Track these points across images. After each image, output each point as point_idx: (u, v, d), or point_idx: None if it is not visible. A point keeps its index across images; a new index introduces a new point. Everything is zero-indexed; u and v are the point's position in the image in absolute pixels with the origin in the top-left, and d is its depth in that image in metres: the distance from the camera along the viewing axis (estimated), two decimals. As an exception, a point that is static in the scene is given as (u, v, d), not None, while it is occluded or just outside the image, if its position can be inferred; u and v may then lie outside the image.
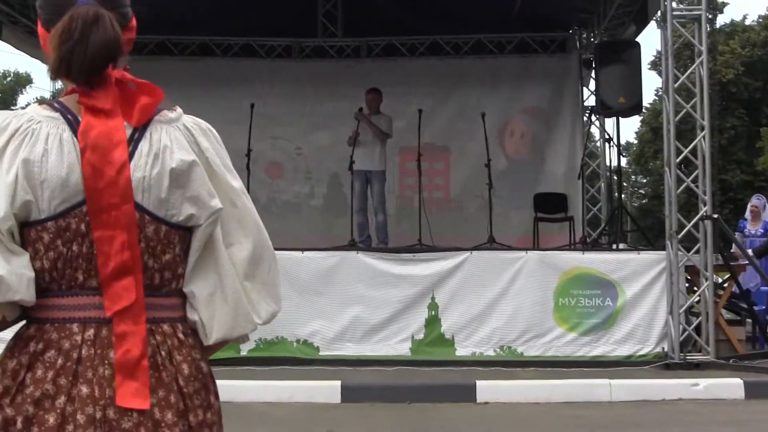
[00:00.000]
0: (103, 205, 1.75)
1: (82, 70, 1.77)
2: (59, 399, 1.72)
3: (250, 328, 1.89)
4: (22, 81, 50.03)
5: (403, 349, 10.00)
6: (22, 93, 50.82)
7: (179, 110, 1.92)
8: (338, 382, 8.51)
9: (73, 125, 1.80)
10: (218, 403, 1.92)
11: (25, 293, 1.76)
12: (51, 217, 1.77)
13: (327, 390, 8.44)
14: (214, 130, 1.93)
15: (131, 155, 1.78)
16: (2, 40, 14.10)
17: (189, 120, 1.91)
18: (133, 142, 1.80)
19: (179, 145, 1.83)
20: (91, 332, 1.76)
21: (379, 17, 14.37)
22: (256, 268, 1.89)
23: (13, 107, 49.26)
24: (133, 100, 1.82)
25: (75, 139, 1.78)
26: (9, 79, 50.18)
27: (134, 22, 1.97)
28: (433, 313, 10.04)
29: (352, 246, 11.18)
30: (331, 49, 15.11)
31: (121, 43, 1.80)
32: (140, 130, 1.82)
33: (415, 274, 10.08)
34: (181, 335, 1.84)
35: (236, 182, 1.90)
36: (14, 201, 1.76)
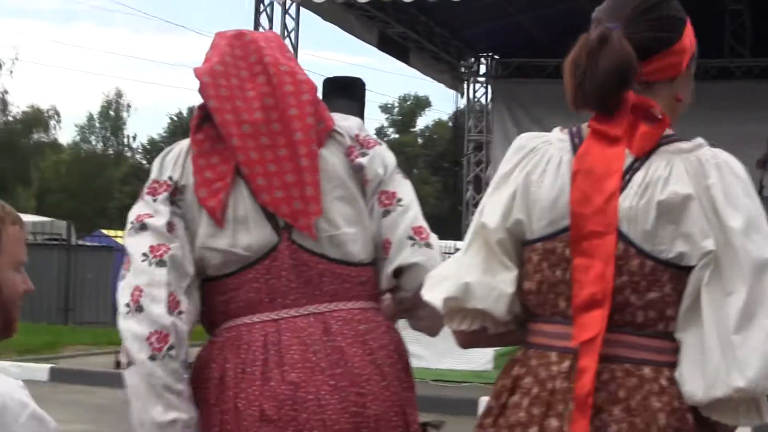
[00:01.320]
0: (586, 232, 1.71)
1: (593, 96, 1.74)
2: (531, 429, 1.71)
3: (723, 390, 1.63)
4: (422, 104, 52.95)
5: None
6: (420, 115, 53.79)
7: (698, 141, 1.76)
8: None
9: (576, 149, 1.79)
10: None
11: (492, 305, 1.77)
12: (540, 239, 1.78)
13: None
14: (735, 164, 1.74)
15: (625, 185, 1.72)
16: (409, 65, 14.93)
17: (707, 153, 1.74)
18: (631, 171, 1.73)
19: (678, 178, 1.70)
20: (566, 364, 1.71)
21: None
22: (750, 322, 1.63)
23: (411, 129, 52.31)
24: (636, 128, 1.75)
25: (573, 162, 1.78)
26: (409, 102, 53.34)
27: (684, 43, 1.83)
28: None
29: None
30: (737, 70, 14.57)
31: (632, 64, 1.71)
32: (641, 159, 1.74)
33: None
34: (663, 381, 1.69)
35: (737, 221, 1.67)
36: (508, 217, 1.79)
